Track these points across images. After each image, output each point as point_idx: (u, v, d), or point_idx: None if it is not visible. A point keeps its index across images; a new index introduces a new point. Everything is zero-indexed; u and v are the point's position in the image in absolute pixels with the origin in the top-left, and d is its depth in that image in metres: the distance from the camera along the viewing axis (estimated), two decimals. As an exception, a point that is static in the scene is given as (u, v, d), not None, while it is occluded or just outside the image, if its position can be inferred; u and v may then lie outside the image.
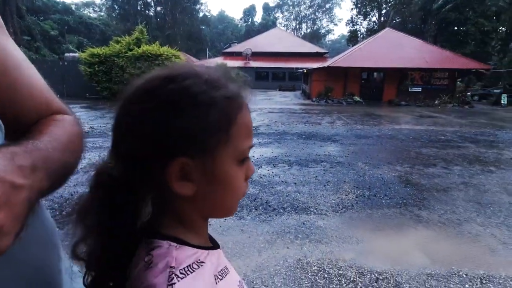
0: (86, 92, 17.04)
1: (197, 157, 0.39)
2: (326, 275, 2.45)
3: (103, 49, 15.87)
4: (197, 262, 0.40)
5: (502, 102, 17.77)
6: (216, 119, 0.39)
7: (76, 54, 18.86)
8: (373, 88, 19.58)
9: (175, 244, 0.40)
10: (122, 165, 0.40)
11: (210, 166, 0.40)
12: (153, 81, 0.40)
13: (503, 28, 23.82)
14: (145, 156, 0.39)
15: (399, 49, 18.86)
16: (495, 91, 20.17)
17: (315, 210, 3.62)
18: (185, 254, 0.40)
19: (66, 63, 18.02)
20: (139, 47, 15.70)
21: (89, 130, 8.14)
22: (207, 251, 0.44)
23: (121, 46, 15.85)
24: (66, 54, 22.52)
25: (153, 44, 15.91)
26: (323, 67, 19.11)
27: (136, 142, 0.38)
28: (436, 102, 17.80)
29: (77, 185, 4.22)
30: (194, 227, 0.44)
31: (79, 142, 0.54)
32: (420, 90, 18.66)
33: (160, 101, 0.38)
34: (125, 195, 0.40)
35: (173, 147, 0.38)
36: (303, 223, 3.29)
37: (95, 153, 5.86)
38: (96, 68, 15.51)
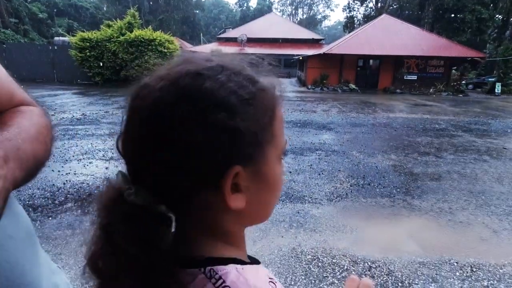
0: (78, 78, 16.69)
1: (248, 163, 0.34)
2: (320, 264, 2.47)
3: (94, 33, 15.47)
4: (270, 278, 0.37)
5: (496, 90, 17.88)
6: (262, 116, 0.35)
7: (66, 38, 18.34)
8: (369, 76, 19.51)
9: (241, 266, 0.35)
10: (151, 187, 0.33)
11: (260, 170, 0.36)
12: (182, 79, 0.33)
13: (500, 16, 23.72)
14: (189, 171, 0.32)
15: (395, 36, 18.72)
16: (489, 79, 20.29)
17: (309, 199, 3.63)
18: (256, 275, 0.36)
19: (56, 48, 17.56)
20: (131, 31, 15.32)
21: (81, 117, 8.00)
22: (263, 266, 0.40)
23: (112, 30, 15.46)
24: (56, 38, 21.93)
25: (146, 29, 15.53)
26: (319, 54, 18.92)
27: (180, 157, 0.31)
28: (431, 90, 17.84)
29: (69, 173, 4.17)
30: (237, 241, 0.40)
31: (48, 133, 0.54)
32: (415, 78, 18.66)
33: (203, 102, 0.32)
34: (155, 222, 0.33)
35: (226, 156, 0.32)
36: (298, 212, 3.31)
37: (87, 141, 5.78)
38: (87, 53, 15.16)
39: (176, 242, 0.35)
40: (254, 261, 0.41)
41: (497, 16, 24.21)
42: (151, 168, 0.33)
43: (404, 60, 18.53)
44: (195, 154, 0.31)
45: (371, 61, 19.70)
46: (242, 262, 0.37)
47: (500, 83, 18.11)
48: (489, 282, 2.33)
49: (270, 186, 0.38)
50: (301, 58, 23.37)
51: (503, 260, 2.60)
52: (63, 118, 7.83)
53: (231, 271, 0.34)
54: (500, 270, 2.47)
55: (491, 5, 23.35)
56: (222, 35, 34.32)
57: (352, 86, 18.38)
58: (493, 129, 8.15)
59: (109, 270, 0.33)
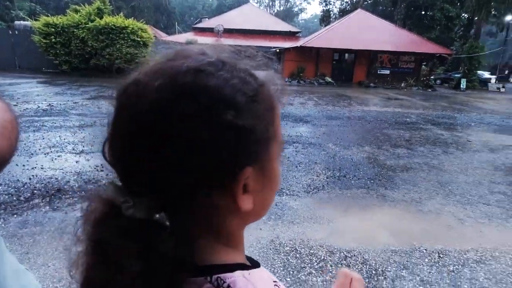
0: (43, 66, 15.70)
1: (255, 162, 0.33)
2: (298, 255, 2.51)
3: (60, 18, 14.57)
4: (274, 282, 0.36)
5: (462, 86, 18.87)
6: (266, 112, 0.34)
7: (28, 23, 17.10)
8: (344, 69, 19.89)
9: (247, 272, 0.34)
10: (153, 197, 0.31)
11: (265, 167, 0.35)
12: (182, 76, 0.31)
13: (466, 15, 24.89)
14: (192, 169, 0.30)
15: (370, 31, 19.14)
16: (455, 75, 21.38)
17: (287, 191, 3.67)
18: (263, 279, 0.35)
19: (16, 32, 16.36)
20: (101, 18, 14.58)
21: (47, 108, 7.55)
22: (264, 268, 0.39)
23: (80, 16, 14.64)
24: (16, 22, 20.37)
25: (117, 16, 14.83)
26: (296, 47, 19.00)
27: (181, 154, 0.30)
28: (403, 84, 18.51)
29: (35, 168, 3.94)
30: (238, 243, 0.38)
31: (13, 129, 0.52)
32: (388, 73, 19.26)
33: (209, 101, 0.30)
34: (154, 232, 0.31)
35: (234, 155, 0.31)
36: (276, 204, 3.33)
37: (55, 133, 5.48)
38: (53, 40, 14.27)
39: (177, 248, 0.33)
40: (253, 262, 0.40)
41: (463, 15, 25.39)
42: (146, 165, 0.31)
43: (378, 55, 19.04)
44: (199, 151, 0.30)
45: (346, 55, 20.07)
46: (247, 267, 0.36)
47: (465, 79, 19.13)
48: (455, 267, 2.47)
49: (272, 183, 0.38)
50: (278, 50, 23.38)
51: (467, 246, 2.77)
52: (27, 109, 7.36)
53: (239, 279, 0.32)
54: (464, 256, 2.63)
55: (458, 3, 24.42)
56: (198, 25, 33.50)
57: (328, 79, 18.68)
58: (459, 123, 8.61)
59: (100, 280, 0.31)
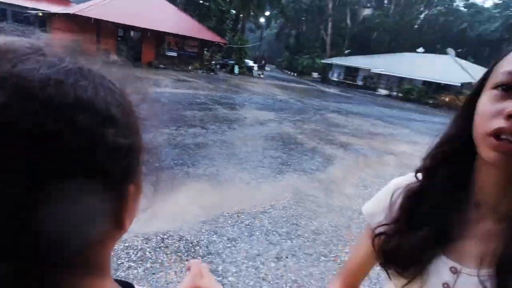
0: None
1: (134, 178, 0.31)
2: (113, 253, 2.30)
3: None
4: None
5: (235, 71, 22.69)
6: (134, 124, 0.31)
7: None
8: (130, 48, 18.82)
9: None
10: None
11: (139, 181, 0.33)
12: (42, 91, 0.23)
13: (234, 11, 29.56)
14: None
15: (156, 11, 18.91)
16: (230, 62, 25.27)
17: (86, 187, 3.20)
18: None
19: None
20: None
21: None
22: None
23: None
24: None
25: None
26: (68, 14, 15.94)
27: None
28: (190, 67, 19.90)
29: None
30: (109, 269, 0.33)
31: None
32: (176, 55, 20.02)
33: (86, 119, 0.24)
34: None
35: (123, 177, 0.29)
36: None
37: None
38: None
39: None
40: (124, 283, 0.38)
41: (232, 11, 29.99)
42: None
43: (165, 36, 19.30)
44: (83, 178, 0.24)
45: (132, 32, 19.01)
46: None
47: (237, 66, 23.10)
48: (249, 221, 3.09)
49: (139, 197, 0.35)
50: (41, 14, 18.71)
51: (254, 202, 3.51)
52: None
53: None
54: (254, 210, 3.34)
55: (228, 0, 28.54)
56: None
57: (113, 57, 17.13)
58: (237, 102, 10.39)
59: None
